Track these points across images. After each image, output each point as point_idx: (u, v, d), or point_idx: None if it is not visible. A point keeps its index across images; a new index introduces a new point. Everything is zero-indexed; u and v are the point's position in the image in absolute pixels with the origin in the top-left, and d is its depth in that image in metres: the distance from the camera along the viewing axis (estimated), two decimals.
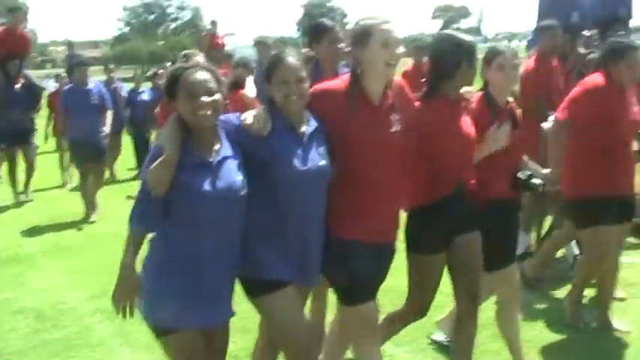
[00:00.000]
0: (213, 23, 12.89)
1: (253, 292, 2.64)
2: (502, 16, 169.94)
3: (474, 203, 3.10)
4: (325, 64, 3.67)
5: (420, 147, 2.92)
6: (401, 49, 2.75)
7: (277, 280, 2.59)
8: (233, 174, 2.49)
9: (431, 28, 73.40)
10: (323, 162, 2.64)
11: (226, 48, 12.78)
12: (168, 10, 65.07)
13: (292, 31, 73.69)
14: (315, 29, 3.79)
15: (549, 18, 5.43)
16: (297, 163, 2.57)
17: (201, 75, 2.47)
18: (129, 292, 2.46)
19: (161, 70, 10.10)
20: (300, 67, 2.62)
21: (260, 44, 7.77)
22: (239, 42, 27.60)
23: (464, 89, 3.13)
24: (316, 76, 3.20)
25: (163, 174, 2.38)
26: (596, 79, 3.74)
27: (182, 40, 46.86)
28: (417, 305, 3.18)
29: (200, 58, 5.03)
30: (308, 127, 2.65)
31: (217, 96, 2.46)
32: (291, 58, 2.62)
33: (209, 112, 2.43)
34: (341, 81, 2.82)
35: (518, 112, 3.44)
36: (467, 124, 3.10)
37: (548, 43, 4.95)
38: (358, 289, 2.77)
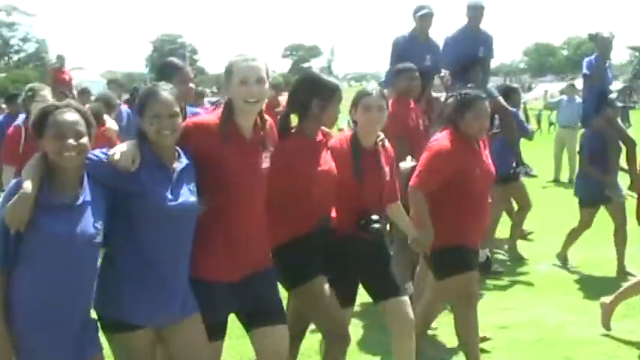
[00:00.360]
0: (60, 57, 12.54)
1: (107, 329, 2.61)
2: (353, 57, 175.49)
3: (329, 242, 3.15)
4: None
5: (279, 183, 2.92)
6: (263, 87, 2.75)
7: (131, 324, 2.56)
8: (90, 219, 2.45)
9: (281, 67, 74.19)
10: (192, 198, 2.62)
11: (74, 82, 12.48)
12: (12, 42, 62.73)
13: (141, 67, 73.95)
14: (165, 69, 3.72)
15: (403, 60, 5.43)
16: (166, 198, 2.54)
17: (71, 116, 2.44)
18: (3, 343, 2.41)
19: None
20: (174, 102, 2.60)
21: (112, 83, 7.80)
22: (87, 77, 27.13)
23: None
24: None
25: (21, 210, 2.32)
26: (442, 141, 3.67)
27: (26, 73, 45.35)
28: (335, 334, 3.14)
29: (47, 92, 4.73)
30: (179, 163, 2.63)
31: (85, 139, 2.43)
32: (165, 92, 2.60)
33: (74, 154, 2.40)
34: (215, 115, 2.83)
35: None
36: (326, 160, 3.14)
37: (406, 85, 4.95)
38: (217, 326, 2.78)
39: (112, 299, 2.55)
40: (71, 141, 2.39)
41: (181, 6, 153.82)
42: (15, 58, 61.76)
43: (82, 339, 2.51)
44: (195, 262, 2.69)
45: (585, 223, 6.01)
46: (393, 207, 3.52)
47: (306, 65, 73.06)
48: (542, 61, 78.97)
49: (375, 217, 3.23)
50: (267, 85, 2.78)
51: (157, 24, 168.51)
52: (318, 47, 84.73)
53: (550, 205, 8.41)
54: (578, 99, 11.24)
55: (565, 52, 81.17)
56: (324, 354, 3.24)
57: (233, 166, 2.72)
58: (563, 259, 6.15)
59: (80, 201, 2.43)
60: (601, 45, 6.12)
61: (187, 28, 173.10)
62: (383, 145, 3.42)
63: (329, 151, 3.20)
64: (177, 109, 2.60)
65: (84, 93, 8.60)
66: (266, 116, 2.90)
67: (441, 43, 6.25)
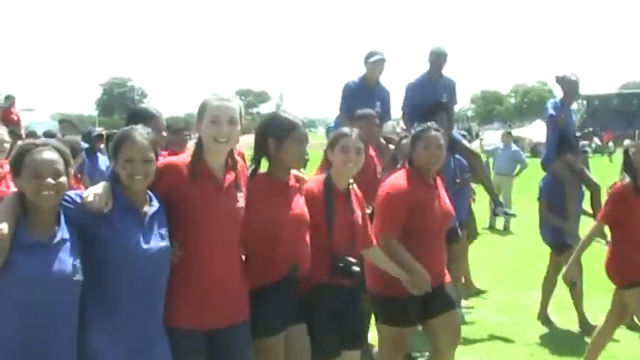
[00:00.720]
0: (9, 97, 11.89)
1: None
2: (301, 102, 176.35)
3: (299, 289, 3.03)
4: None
5: (245, 226, 2.83)
6: (234, 128, 2.70)
7: None
8: (68, 258, 2.39)
9: None
10: (163, 243, 2.58)
11: (23, 124, 12.03)
12: None
13: (91, 109, 73.71)
14: (140, 114, 3.58)
15: (353, 105, 5.38)
16: (136, 242, 2.50)
17: (49, 155, 2.40)
18: None
19: None
20: (149, 147, 2.56)
21: (65, 122, 7.69)
22: (36, 118, 26.70)
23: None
24: None
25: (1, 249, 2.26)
26: (397, 179, 3.58)
27: None
28: None
29: (5, 132, 4.43)
30: (150, 207, 2.60)
31: (63, 178, 2.39)
32: (141, 137, 2.56)
33: (53, 193, 2.36)
34: (185, 155, 2.79)
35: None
36: (297, 204, 3.03)
37: (365, 131, 4.36)
38: None
39: (83, 344, 2.46)
40: (49, 180, 2.35)
41: (131, 50, 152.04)
42: None
43: None
44: (169, 309, 2.62)
45: (554, 270, 5.75)
46: (371, 251, 3.41)
47: (254, 110, 72.17)
48: (490, 109, 79.39)
49: (351, 259, 3.12)
50: (238, 127, 2.73)
51: (106, 67, 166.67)
52: (266, 92, 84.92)
53: (487, 252, 8.36)
54: (514, 147, 11.39)
55: (512, 100, 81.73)
56: None
57: (204, 206, 2.67)
58: (546, 318, 5.79)
59: (57, 239, 2.38)
60: (568, 87, 5.88)
61: (136, 71, 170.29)
62: (354, 189, 3.35)
63: (302, 196, 3.10)
64: (152, 155, 2.56)
65: (31, 136, 8.14)
66: (237, 157, 2.85)
67: (398, 90, 6.06)
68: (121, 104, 73.26)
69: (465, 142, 6.09)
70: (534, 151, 28.47)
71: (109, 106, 74.31)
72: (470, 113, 79.17)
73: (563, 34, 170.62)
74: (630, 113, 54.11)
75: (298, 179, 3.14)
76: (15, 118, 11.32)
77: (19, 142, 2.57)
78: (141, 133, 2.60)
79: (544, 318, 5.80)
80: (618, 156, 31.18)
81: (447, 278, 3.69)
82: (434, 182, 3.64)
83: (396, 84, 6.29)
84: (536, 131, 32.37)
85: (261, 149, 3.04)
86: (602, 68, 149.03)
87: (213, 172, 2.75)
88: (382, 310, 3.62)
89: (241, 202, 2.80)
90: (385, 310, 3.60)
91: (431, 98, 5.82)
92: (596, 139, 35.96)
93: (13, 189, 4.03)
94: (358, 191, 3.42)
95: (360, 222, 3.32)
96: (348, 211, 3.26)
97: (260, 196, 2.92)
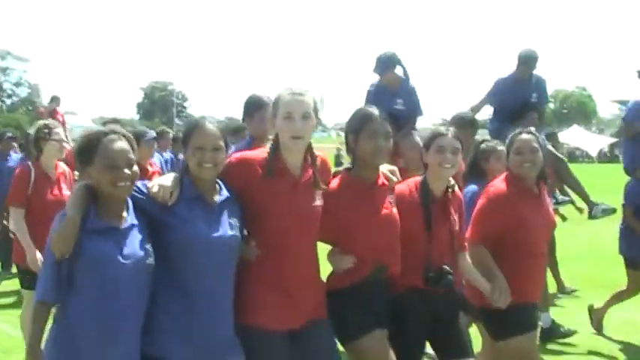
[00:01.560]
0: (55, 99, 11.98)
1: None
2: (341, 106, 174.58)
3: (389, 294, 2.95)
4: (256, 139, 3.49)
5: (328, 226, 2.78)
6: (308, 123, 2.64)
7: None
8: (139, 242, 2.42)
9: None
10: (232, 232, 2.56)
11: (66, 127, 11.89)
12: (5, 86, 62.54)
13: (132, 113, 74.43)
14: (250, 104, 3.59)
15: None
16: (203, 231, 2.49)
17: (122, 144, 2.42)
18: None
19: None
20: (219, 135, 2.55)
21: (110, 122, 7.24)
22: (78, 121, 27.40)
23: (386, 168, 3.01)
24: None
25: (67, 235, 2.30)
26: (497, 183, 3.39)
27: (17, 117, 44.55)
28: None
29: (61, 130, 4.43)
30: (219, 196, 2.58)
31: (135, 168, 2.43)
32: (210, 125, 2.58)
33: (128, 184, 2.40)
34: (262, 151, 2.72)
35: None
36: (380, 205, 2.91)
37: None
38: None
39: (152, 335, 2.47)
40: (126, 171, 2.38)
41: (172, 54, 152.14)
42: (7, 102, 61.11)
43: None
44: (249, 308, 2.59)
45: (634, 286, 5.28)
46: (460, 258, 3.20)
47: None
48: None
49: (446, 268, 2.98)
50: (313, 121, 2.66)
51: (147, 71, 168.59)
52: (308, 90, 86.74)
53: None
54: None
55: (552, 105, 79.12)
56: None
57: (278, 203, 2.62)
58: (598, 323, 5.43)
59: (127, 224, 2.42)
60: None
61: (177, 75, 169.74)
62: (453, 192, 3.15)
63: (391, 197, 2.98)
64: (222, 143, 2.55)
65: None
66: (318, 152, 2.78)
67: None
68: (162, 108, 73.37)
69: (550, 146, 5.68)
70: (572, 155, 28.87)
71: (149, 109, 74.70)
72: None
73: (606, 40, 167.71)
74: None
75: (388, 178, 3.02)
76: (60, 119, 11.28)
77: (86, 131, 2.59)
78: (211, 121, 2.64)
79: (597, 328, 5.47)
80: None
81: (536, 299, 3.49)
82: (538, 191, 3.38)
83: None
84: (574, 136, 32.78)
85: (347, 147, 2.99)
86: None
87: (289, 169, 2.69)
88: (501, 320, 3.26)
89: (319, 201, 2.73)
90: (506, 320, 3.24)
91: (520, 97, 5.66)
92: None
93: (66, 192, 4.28)
94: (459, 193, 3.27)
95: (457, 228, 3.14)
96: (447, 218, 3.09)
97: (339, 195, 2.85)
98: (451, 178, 3.16)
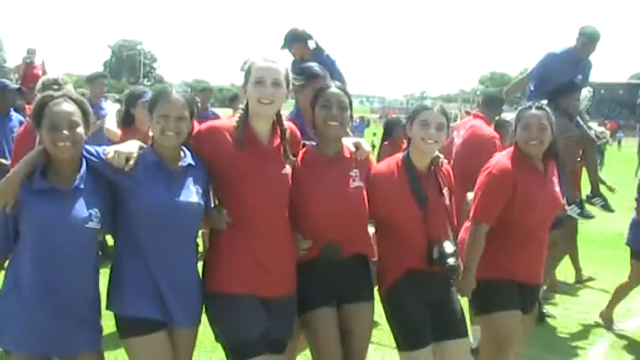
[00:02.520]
0: (31, 51, 10.74)
1: (122, 331, 2.55)
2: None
3: (364, 271, 2.89)
4: (306, 109, 3.26)
5: (290, 197, 2.75)
6: (278, 90, 2.60)
7: (144, 320, 2.51)
8: (83, 205, 2.46)
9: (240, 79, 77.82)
10: (193, 199, 2.57)
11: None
12: None
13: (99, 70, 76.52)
14: (303, 74, 3.42)
15: None
16: (160, 197, 2.52)
17: (67, 107, 2.46)
18: None
19: None
20: (184, 105, 2.56)
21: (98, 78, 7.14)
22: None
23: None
24: (297, 122, 3.04)
25: (6, 190, 2.40)
26: (501, 159, 3.23)
27: None
28: None
29: (70, 87, 4.25)
30: (182, 163, 2.59)
31: (80, 129, 2.46)
32: (176, 94, 2.59)
33: (68, 144, 2.43)
34: (232, 120, 2.71)
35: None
36: (339, 180, 2.81)
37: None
38: (241, 345, 2.59)
39: (116, 295, 2.56)
40: (65, 132, 2.41)
41: (142, 12, 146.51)
42: None
43: (85, 324, 2.51)
44: (220, 277, 2.61)
45: (637, 278, 5.09)
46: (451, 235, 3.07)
47: None
48: (498, 91, 66.68)
49: (450, 248, 2.86)
50: (283, 90, 2.63)
51: (116, 29, 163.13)
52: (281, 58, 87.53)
53: None
54: None
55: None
56: None
57: (248, 171, 2.61)
58: (608, 321, 5.15)
59: (73, 186, 2.45)
60: None
61: (147, 35, 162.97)
62: (441, 167, 3.03)
63: (355, 171, 2.86)
64: (187, 113, 2.56)
65: (55, 84, 6.75)
66: (288, 123, 2.77)
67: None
68: (130, 68, 73.64)
69: (584, 126, 5.41)
70: None
71: (117, 68, 73.94)
72: (478, 94, 77.42)
73: (574, 18, 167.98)
74: (636, 104, 53.45)
75: (353, 151, 2.90)
76: (39, 72, 10.16)
77: (39, 95, 2.63)
78: (177, 91, 2.63)
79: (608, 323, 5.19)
80: (624, 145, 31.45)
81: (541, 280, 3.38)
82: (545, 169, 3.20)
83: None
84: None
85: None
86: (614, 57, 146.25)
87: (258, 137, 2.65)
88: (482, 294, 3.14)
89: (287, 169, 2.70)
90: (487, 294, 3.13)
91: (567, 76, 5.38)
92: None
93: None
94: (449, 169, 3.09)
95: (449, 202, 3.00)
96: (438, 193, 2.94)
97: (298, 167, 2.78)
98: (437, 151, 3.01)
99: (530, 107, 3.19)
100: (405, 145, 4.02)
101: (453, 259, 2.86)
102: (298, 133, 2.86)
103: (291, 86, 2.74)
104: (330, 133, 2.81)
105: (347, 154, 2.90)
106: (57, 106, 2.46)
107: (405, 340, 2.92)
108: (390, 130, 6.30)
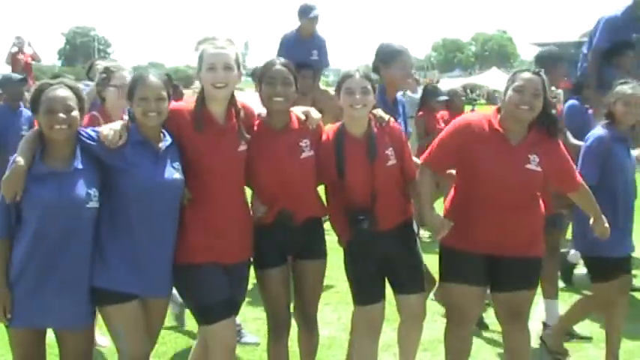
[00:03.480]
0: (19, 39, 10.39)
1: (100, 301, 2.70)
2: (267, 53, 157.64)
3: (316, 230, 3.12)
4: (390, 87, 3.53)
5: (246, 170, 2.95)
6: (230, 73, 2.78)
7: (123, 293, 2.68)
8: (82, 186, 2.61)
9: (194, 60, 69.93)
10: (176, 175, 2.76)
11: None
12: None
13: (54, 59, 71.81)
14: (387, 52, 3.59)
15: (291, 58, 4.39)
16: (149, 174, 2.69)
17: (62, 92, 2.62)
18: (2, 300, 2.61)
19: None
20: (161, 86, 2.73)
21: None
22: None
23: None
24: (381, 99, 3.21)
25: (14, 181, 2.52)
26: (473, 114, 3.50)
27: None
28: (272, 320, 3.13)
29: (127, 73, 3.82)
30: (164, 142, 2.76)
31: (75, 113, 2.61)
32: (153, 77, 2.74)
33: (64, 127, 2.58)
34: (191, 102, 2.89)
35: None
36: (283, 150, 2.98)
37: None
38: (208, 309, 2.81)
39: (102, 271, 2.68)
40: (61, 115, 2.56)
41: None
42: None
43: (84, 300, 2.67)
44: (187, 248, 2.80)
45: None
46: (410, 187, 3.19)
47: None
48: (451, 57, 78.67)
49: (361, 215, 3.00)
50: (235, 72, 2.80)
51: (68, 16, 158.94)
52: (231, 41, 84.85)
53: None
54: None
55: (473, 48, 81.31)
56: (268, 340, 3.19)
57: (207, 150, 2.80)
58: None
59: (71, 169, 2.60)
60: None
61: (100, 20, 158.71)
62: (384, 127, 3.10)
63: (305, 141, 3.03)
64: (164, 93, 2.73)
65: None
66: (242, 103, 2.93)
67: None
68: (84, 54, 70.79)
69: None
70: (490, 98, 29.45)
71: (71, 55, 73.45)
72: (431, 60, 77.46)
73: None
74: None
75: (302, 120, 3.06)
76: (28, 60, 10.17)
77: (37, 83, 2.76)
78: (153, 74, 2.78)
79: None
80: None
81: (535, 252, 3.10)
82: (523, 141, 2.97)
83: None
84: (493, 79, 32.41)
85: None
86: (565, 16, 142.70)
87: (215, 118, 2.83)
88: (441, 261, 3.18)
89: (243, 147, 2.88)
90: (442, 262, 3.17)
91: (621, 36, 5.43)
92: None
93: None
94: (396, 125, 3.18)
95: (392, 162, 3.07)
96: (365, 158, 3.02)
97: (251, 140, 2.92)
98: (380, 111, 3.11)
99: (526, 70, 3.05)
100: (441, 114, 4.12)
101: (365, 224, 2.99)
102: (254, 112, 3.04)
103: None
104: (274, 108, 3.00)
105: (296, 125, 3.05)
106: (53, 92, 2.62)
107: (356, 296, 3.17)
108: (426, 99, 6.36)
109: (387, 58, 3.58)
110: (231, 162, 2.90)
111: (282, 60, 3.10)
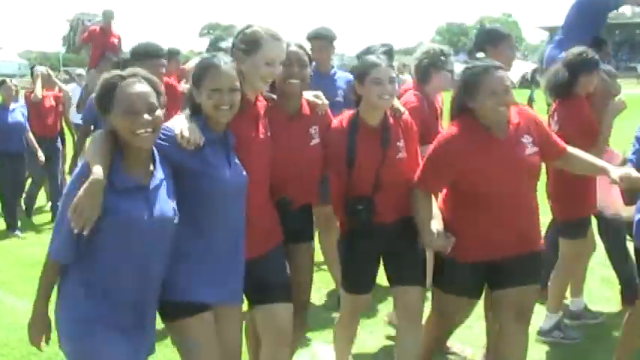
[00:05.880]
0: (109, 14, 9.83)
1: (171, 314, 2.46)
2: None
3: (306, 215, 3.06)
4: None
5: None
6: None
7: (199, 303, 2.43)
8: (167, 200, 2.29)
9: (198, 45, 74.68)
10: (244, 173, 2.54)
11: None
12: None
13: (58, 46, 69.01)
14: (493, 35, 3.72)
15: None
16: (228, 176, 2.45)
17: (142, 87, 2.20)
18: (43, 329, 2.27)
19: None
20: (235, 76, 2.45)
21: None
22: (3, 57, 26.03)
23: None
24: None
25: (94, 200, 2.09)
26: (451, 127, 3.02)
27: None
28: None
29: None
30: (230, 137, 2.52)
31: (159, 112, 2.22)
32: (226, 65, 2.45)
33: (149, 131, 2.18)
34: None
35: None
36: (292, 137, 2.88)
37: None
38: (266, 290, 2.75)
39: (175, 282, 2.40)
40: (146, 116, 2.17)
41: None
42: None
43: (149, 328, 2.37)
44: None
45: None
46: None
47: (223, 45, 70.04)
48: (455, 41, 76.45)
49: (359, 205, 2.94)
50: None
51: (73, 1, 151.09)
52: (234, 26, 73.17)
53: None
54: None
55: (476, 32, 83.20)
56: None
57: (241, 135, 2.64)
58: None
59: (156, 181, 2.27)
60: None
61: (104, 6, 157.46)
62: (399, 119, 3.04)
63: (314, 128, 2.97)
64: (238, 84, 2.45)
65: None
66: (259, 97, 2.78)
67: None
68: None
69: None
70: None
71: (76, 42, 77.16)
72: None
73: None
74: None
75: (313, 105, 2.98)
76: (116, 41, 9.12)
77: (104, 75, 2.28)
78: (226, 61, 2.48)
79: None
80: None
81: (534, 247, 3.00)
82: (508, 129, 2.87)
83: None
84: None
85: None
86: None
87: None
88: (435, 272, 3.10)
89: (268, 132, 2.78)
90: (435, 265, 3.09)
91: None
92: None
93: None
94: (408, 119, 3.08)
95: (401, 156, 3.00)
96: (386, 146, 2.96)
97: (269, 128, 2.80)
98: (397, 102, 3.06)
99: (488, 69, 2.85)
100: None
101: (363, 214, 2.92)
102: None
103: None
104: (291, 91, 2.89)
105: (307, 111, 2.97)
106: (131, 87, 2.19)
107: (344, 282, 3.18)
108: None
109: (493, 40, 3.70)
110: (260, 154, 2.73)
111: (297, 42, 3.00)
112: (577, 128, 3.65)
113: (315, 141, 2.98)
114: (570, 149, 3.05)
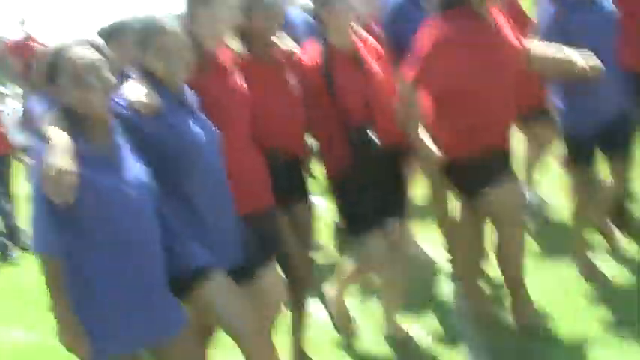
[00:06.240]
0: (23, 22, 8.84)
1: (186, 287, 2.23)
2: None
3: (300, 174, 2.92)
4: None
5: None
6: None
7: (209, 267, 2.24)
8: (137, 166, 2.07)
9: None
10: (212, 128, 2.34)
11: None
12: None
13: None
14: None
15: None
16: (193, 134, 2.25)
17: (89, 53, 2.00)
18: (76, 334, 1.98)
19: None
20: (180, 31, 2.29)
21: None
22: None
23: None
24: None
25: (66, 165, 1.85)
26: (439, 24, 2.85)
27: None
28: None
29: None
30: (188, 95, 2.32)
31: (108, 74, 2.02)
32: (170, 24, 2.28)
33: (102, 96, 1.99)
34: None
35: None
36: (268, 84, 2.73)
37: None
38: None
39: (182, 253, 2.20)
40: (95, 82, 1.96)
41: None
42: None
43: (170, 303, 2.13)
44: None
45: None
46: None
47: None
48: None
49: (365, 132, 2.79)
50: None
51: None
52: None
53: None
54: None
55: None
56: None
57: (217, 91, 2.51)
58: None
59: (119, 148, 2.05)
60: None
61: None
62: (363, 40, 2.92)
63: (289, 74, 2.80)
64: (186, 40, 2.29)
65: None
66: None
67: None
68: None
69: None
70: None
71: None
72: None
73: None
74: None
75: (286, 52, 2.82)
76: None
77: (49, 46, 2.08)
78: (169, 19, 2.30)
79: None
80: None
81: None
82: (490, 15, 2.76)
83: None
84: None
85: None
86: None
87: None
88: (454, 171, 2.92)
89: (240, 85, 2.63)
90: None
91: None
92: None
93: None
94: (371, 40, 2.98)
95: (383, 75, 2.88)
96: (359, 71, 2.83)
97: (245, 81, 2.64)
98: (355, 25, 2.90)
99: None
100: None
101: (374, 137, 2.79)
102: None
103: None
104: (266, 40, 2.74)
105: (280, 58, 2.80)
106: (77, 54, 1.98)
107: (364, 223, 2.89)
108: None
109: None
110: (239, 104, 2.59)
111: None
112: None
113: (293, 86, 2.83)
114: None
